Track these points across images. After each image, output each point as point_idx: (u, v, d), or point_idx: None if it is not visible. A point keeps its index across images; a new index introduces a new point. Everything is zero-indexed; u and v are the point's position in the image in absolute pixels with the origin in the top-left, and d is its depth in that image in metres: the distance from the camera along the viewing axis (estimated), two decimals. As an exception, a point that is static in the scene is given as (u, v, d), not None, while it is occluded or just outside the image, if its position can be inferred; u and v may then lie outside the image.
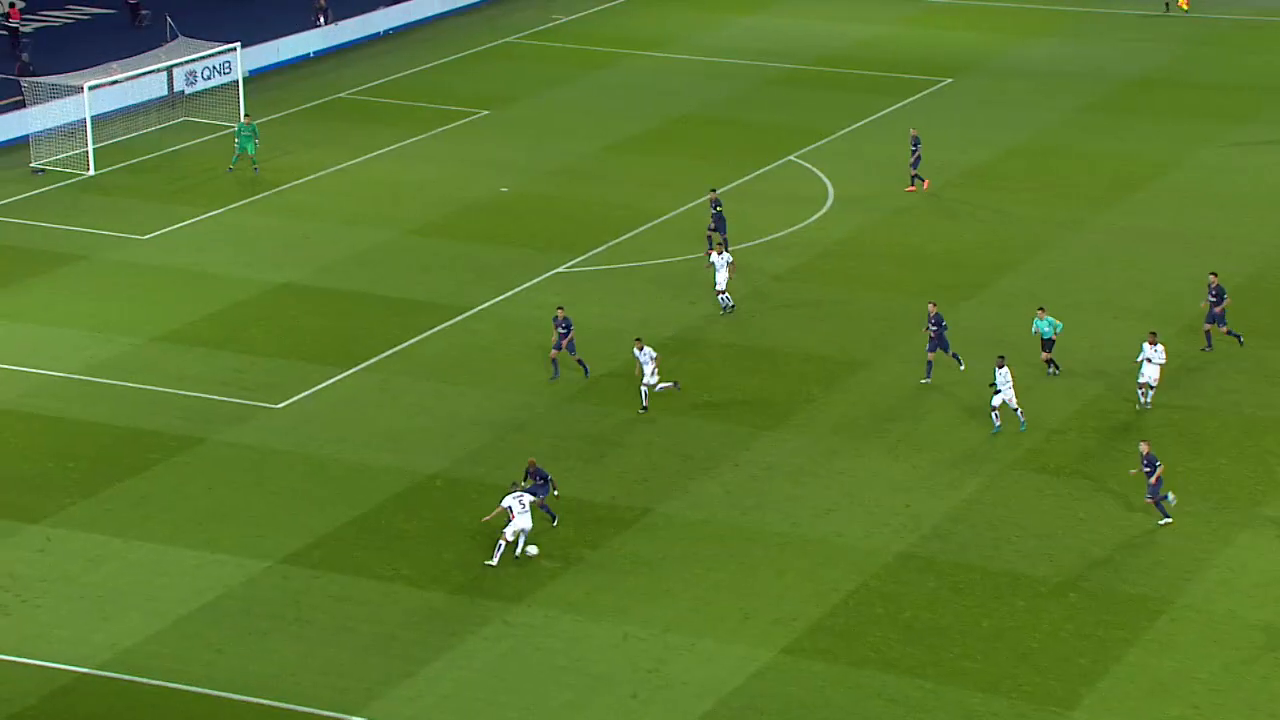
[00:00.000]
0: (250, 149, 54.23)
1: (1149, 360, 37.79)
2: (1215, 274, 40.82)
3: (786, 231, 49.69)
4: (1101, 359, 40.75)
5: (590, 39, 71.71)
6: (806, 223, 50.48)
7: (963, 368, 40.00)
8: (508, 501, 32.70)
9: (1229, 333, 40.33)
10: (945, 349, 39.92)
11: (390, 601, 31.97)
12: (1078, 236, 48.78)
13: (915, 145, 51.84)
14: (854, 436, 37.77)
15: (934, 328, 39.69)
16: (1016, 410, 37.31)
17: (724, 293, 43.59)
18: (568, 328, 40.10)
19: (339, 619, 31.38)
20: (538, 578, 32.68)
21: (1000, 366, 37.22)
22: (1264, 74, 61.09)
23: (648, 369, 38.73)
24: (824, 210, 51.59)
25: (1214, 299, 40.31)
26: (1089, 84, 63.56)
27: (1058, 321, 39.72)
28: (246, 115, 56.88)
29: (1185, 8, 72.71)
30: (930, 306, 39.98)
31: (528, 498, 32.86)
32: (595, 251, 48.65)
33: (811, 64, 67.93)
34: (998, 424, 37.24)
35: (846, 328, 43.27)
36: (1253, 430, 37.19)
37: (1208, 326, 40.57)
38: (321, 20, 69.47)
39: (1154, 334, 38.28)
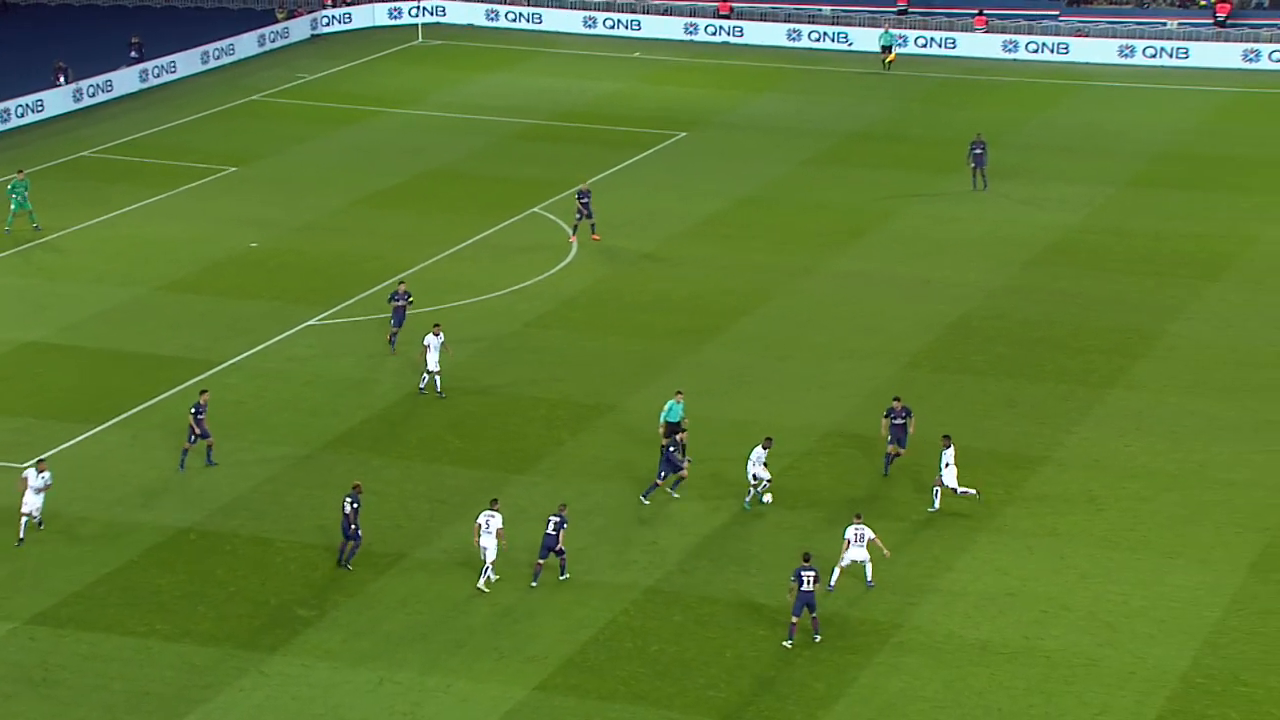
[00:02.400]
0: (26, 205, 52.17)
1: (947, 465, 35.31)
2: (898, 398, 37.62)
3: (532, 281, 49.70)
4: (832, 397, 41.62)
5: (336, 97, 70.92)
6: (552, 272, 50.57)
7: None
8: (479, 518, 32.65)
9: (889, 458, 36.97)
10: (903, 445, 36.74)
11: (144, 658, 30.82)
12: (807, 282, 49.86)
13: (583, 198, 52.04)
14: (602, 477, 37.82)
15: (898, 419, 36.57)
16: (957, 491, 35.40)
17: (437, 373, 41.11)
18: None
19: (90, 678, 30.13)
20: (293, 626, 31.90)
21: (946, 448, 35.33)
22: (967, 128, 63.51)
23: (432, 358, 39.32)
24: (568, 260, 51.76)
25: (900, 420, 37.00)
26: (813, 138, 65.17)
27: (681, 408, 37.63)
28: (20, 170, 54.62)
29: (891, 60, 75.29)
30: (895, 402, 37.22)
31: (496, 521, 32.46)
32: (346, 304, 47.95)
33: (554, 119, 68.27)
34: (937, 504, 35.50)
35: (593, 372, 43.40)
36: (965, 460, 38.36)
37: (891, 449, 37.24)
38: (61, 80, 67.27)
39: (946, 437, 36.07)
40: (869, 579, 32.89)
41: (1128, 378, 42.86)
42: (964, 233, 53.57)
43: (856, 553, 32.55)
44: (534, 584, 33.23)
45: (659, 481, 36.46)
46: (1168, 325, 46.14)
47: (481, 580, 33.04)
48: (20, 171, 54.30)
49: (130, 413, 40.76)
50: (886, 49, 76.12)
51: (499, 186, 59.08)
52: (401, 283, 44.12)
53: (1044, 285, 49.33)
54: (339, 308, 47.70)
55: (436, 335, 40.98)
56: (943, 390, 42.07)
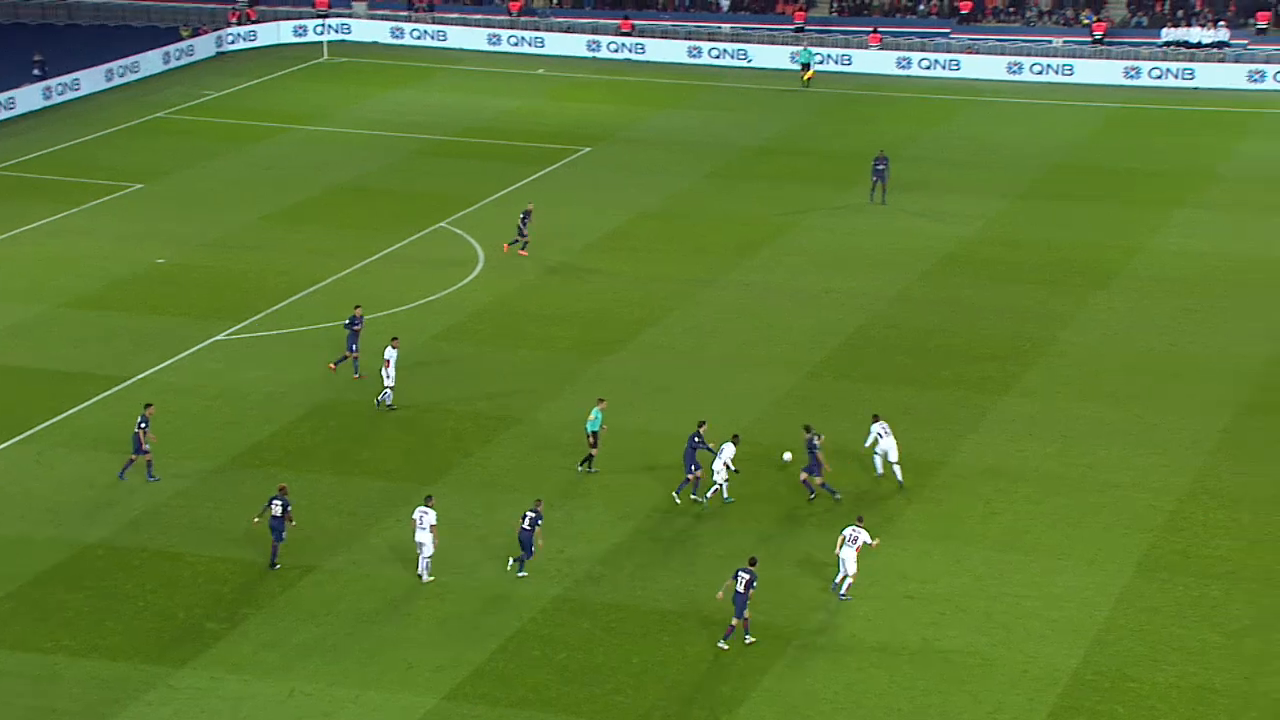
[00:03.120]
0: None
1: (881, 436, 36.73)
2: (808, 428, 37.13)
3: (440, 294, 49.51)
4: (736, 406, 41.83)
5: (242, 113, 70.29)
6: (459, 285, 50.40)
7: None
8: (414, 514, 33.13)
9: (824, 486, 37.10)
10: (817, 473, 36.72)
11: (51, 674, 30.31)
12: (710, 293, 50.08)
13: (525, 216, 52.10)
14: (509, 488, 37.73)
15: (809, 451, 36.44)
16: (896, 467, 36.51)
17: (392, 387, 41.18)
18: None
19: (-3, 696, 29.60)
20: (202, 640, 31.51)
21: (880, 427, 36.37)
22: (864, 143, 64.21)
23: (392, 371, 40.01)
24: (475, 273, 51.62)
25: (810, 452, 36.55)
26: (715, 152, 65.51)
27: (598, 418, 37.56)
28: None
29: (809, 79, 75.74)
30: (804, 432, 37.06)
31: (430, 517, 32.82)
32: (255, 319, 47.50)
33: (457, 135, 68.08)
34: (837, 495, 36.09)
35: (501, 385, 43.29)
36: (866, 467, 38.68)
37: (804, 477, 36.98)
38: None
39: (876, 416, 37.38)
40: (843, 591, 32.83)
41: (1021, 384, 43.47)
42: (863, 245, 54.09)
43: (846, 554, 32.58)
44: (514, 567, 33.34)
45: (690, 477, 36.17)
46: (1059, 333, 46.86)
47: (421, 569, 33.30)
48: None
49: (36, 429, 40.09)
50: (805, 66, 76.56)
51: (405, 202, 58.82)
52: (358, 307, 43.37)
53: (940, 295, 49.94)
54: (247, 323, 47.23)
55: (395, 349, 41.04)
56: (843, 398, 42.41)
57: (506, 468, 38.74)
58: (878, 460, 37.81)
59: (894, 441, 37.35)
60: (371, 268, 52.15)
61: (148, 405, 38.30)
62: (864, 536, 32.99)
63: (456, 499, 36.98)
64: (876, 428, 37.70)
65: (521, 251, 52.13)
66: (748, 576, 31.21)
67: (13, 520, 35.86)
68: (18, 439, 39.60)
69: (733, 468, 36.41)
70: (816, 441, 36.77)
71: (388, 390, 41.15)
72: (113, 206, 57.74)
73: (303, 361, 44.48)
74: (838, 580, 33.26)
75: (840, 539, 33.10)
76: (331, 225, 56.23)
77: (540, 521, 33.62)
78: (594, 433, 37.99)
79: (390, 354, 41.04)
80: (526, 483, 37.89)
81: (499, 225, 55.95)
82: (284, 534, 33.90)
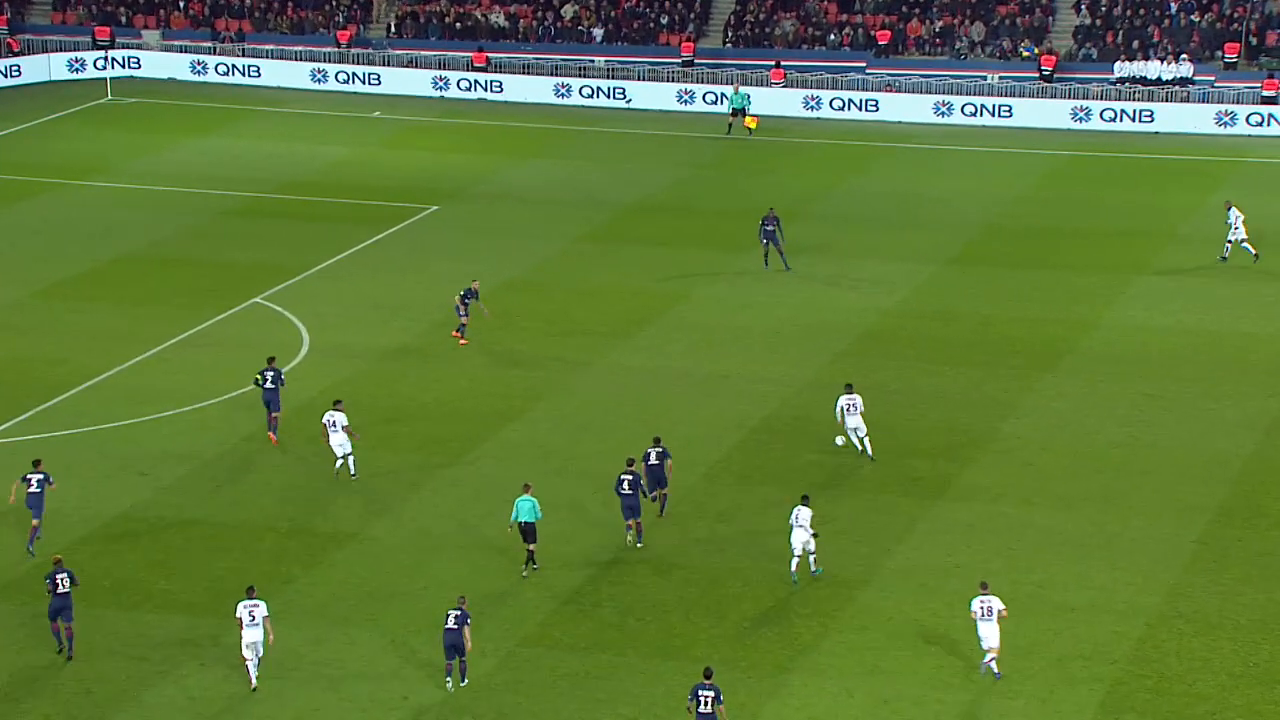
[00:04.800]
0: None
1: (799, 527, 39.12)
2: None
3: (253, 386, 49.13)
4: (615, 515, 41.91)
5: (3, 166, 69.55)
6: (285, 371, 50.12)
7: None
8: (239, 612, 34.99)
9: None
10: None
11: None
12: (584, 379, 50.29)
13: (466, 297, 51.92)
14: (341, 620, 37.41)
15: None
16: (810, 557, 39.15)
17: (348, 455, 43.68)
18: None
19: None
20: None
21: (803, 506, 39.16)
22: (764, 197, 65.12)
23: (336, 439, 42.86)
24: (299, 359, 51.41)
25: None
26: (588, 211, 66.05)
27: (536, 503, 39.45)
28: None
29: (752, 127, 76.60)
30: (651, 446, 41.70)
31: (261, 610, 34.82)
32: (21, 419, 46.81)
33: (276, 191, 68.00)
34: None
35: (330, 495, 43.01)
36: (776, 589, 38.94)
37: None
38: None
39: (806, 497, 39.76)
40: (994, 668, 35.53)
41: (956, 487, 44.05)
42: (764, 319, 54.68)
43: (985, 628, 35.58)
44: (452, 682, 34.93)
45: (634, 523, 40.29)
46: (999, 424, 47.64)
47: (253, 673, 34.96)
48: None
49: None
50: (739, 112, 77.28)
51: (211, 273, 58.50)
52: (272, 358, 46.42)
53: (858, 380, 50.43)
54: (13, 423, 46.54)
55: (338, 411, 43.45)
56: (745, 507, 42.68)
57: (337, 595, 38.42)
58: (844, 438, 44.38)
59: (861, 419, 44.49)
60: (169, 353, 51.71)
61: (36, 461, 40.53)
62: (998, 604, 35.58)
63: (279, 631, 36.52)
64: (844, 400, 44.59)
65: (461, 340, 51.72)
66: (711, 693, 32.55)
67: None
68: None
69: (812, 531, 39.17)
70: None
71: (347, 459, 43.36)
72: None
73: (85, 470, 43.86)
74: (986, 659, 35.56)
75: (974, 612, 35.61)
76: (119, 302, 55.74)
77: (468, 620, 34.87)
78: (530, 524, 39.04)
79: (331, 418, 43.33)
80: (359, 612, 37.60)
81: (328, 301, 55.82)
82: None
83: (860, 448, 44.82)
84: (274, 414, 45.43)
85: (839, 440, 44.91)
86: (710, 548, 40.66)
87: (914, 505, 42.90)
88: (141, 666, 35.64)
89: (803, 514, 39.12)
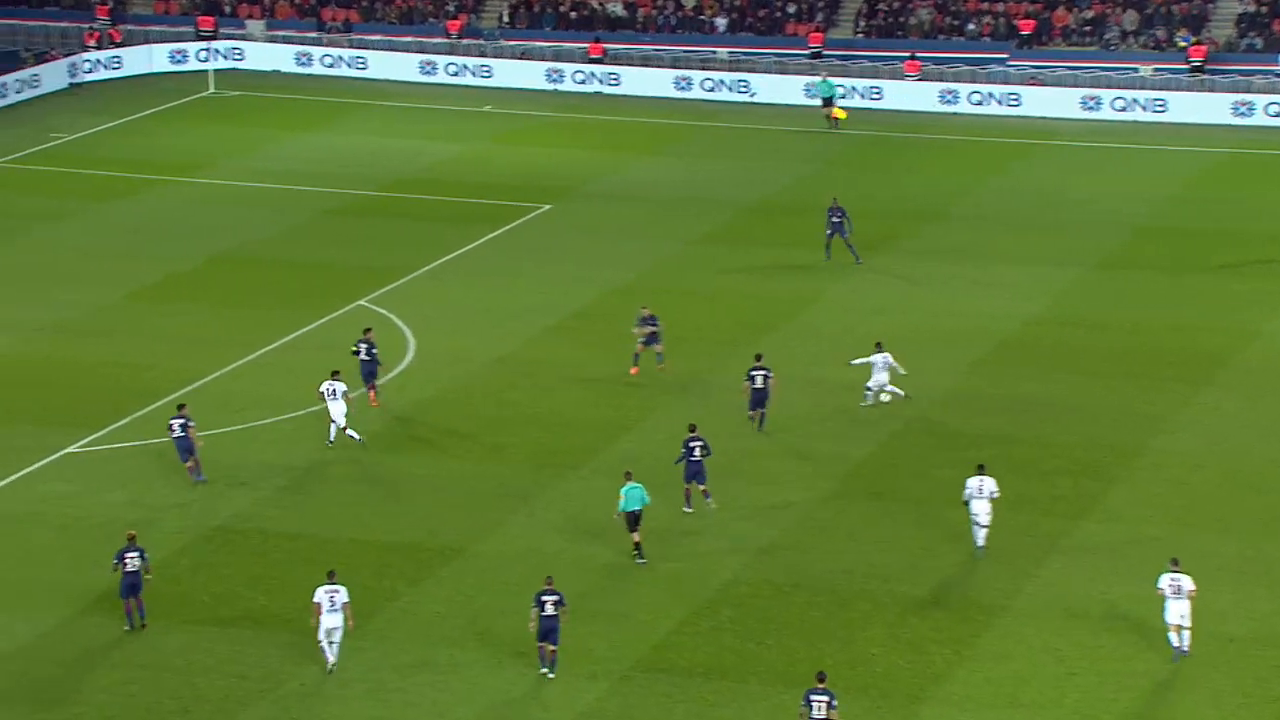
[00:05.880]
0: None
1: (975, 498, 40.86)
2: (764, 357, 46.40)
3: (358, 392, 49.56)
4: (726, 545, 41.77)
5: (101, 162, 70.71)
6: (383, 381, 50.45)
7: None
8: (319, 597, 35.98)
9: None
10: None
11: None
12: (701, 390, 50.15)
13: (648, 323, 50.94)
14: (447, 640, 37.60)
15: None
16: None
17: (343, 427, 45.78)
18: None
19: None
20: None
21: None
22: (896, 197, 64.76)
23: (336, 408, 45.16)
24: (404, 365, 51.75)
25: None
26: (707, 211, 65.99)
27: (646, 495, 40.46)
28: None
29: (841, 117, 76.40)
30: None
31: (341, 596, 35.89)
32: (116, 425, 47.47)
33: (381, 189, 68.54)
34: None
35: (436, 507, 43.24)
36: (904, 611, 38.71)
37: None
38: None
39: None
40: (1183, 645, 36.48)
41: (1102, 506, 43.57)
42: (896, 326, 54.33)
43: (1175, 606, 36.58)
44: (544, 669, 36.01)
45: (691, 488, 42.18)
46: (1149, 440, 47.07)
47: (332, 659, 35.87)
48: None
49: None
50: (828, 101, 77.15)
51: (313, 275, 59.03)
52: (368, 329, 48.90)
53: (996, 391, 50.13)
54: (106, 430, 47.18)
55: (337, 380, 45.79)
56: (877, 522, 42.45)
57: (443, 613, 38.60)
58: (868, 395, 47.26)
59: (887, 378, 47.47)
60: (267, 359, 52.24)
61: (180, 406, 44.25)
62: (1188, 583, 36.30)
63: (380, 653, 36.79)
64: (877, 358, 47.25)
65: (633, 369, 50.67)
66: (825, 699, 32.88)
67: None
68: None
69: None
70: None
71: (347, 432, 45.67)
72: (-66, 281, 57.89)
73: (181, 481, 44.37)
74: (1175, 643, 36.36)
75: (1161, 589, 36.43)
76: (217, 304, 56.37)
77: (564, 605, 35.88)
78: (634, 513, 39.91)
79: (328, 387, 45.61)
80: (468, 632, 37.76)
81: (435, 304, 56.18)
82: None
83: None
84: (372, 384, 47.61)
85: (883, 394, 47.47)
86: (836, 568, 40.46)
87: (1055, 525, 42.46)
88: (241, 685, 35.99)
89: (987, 484, 40.42)
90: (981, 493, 40.72)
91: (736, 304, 56.54)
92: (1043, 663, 36.99)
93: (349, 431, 45.70)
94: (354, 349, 48.23)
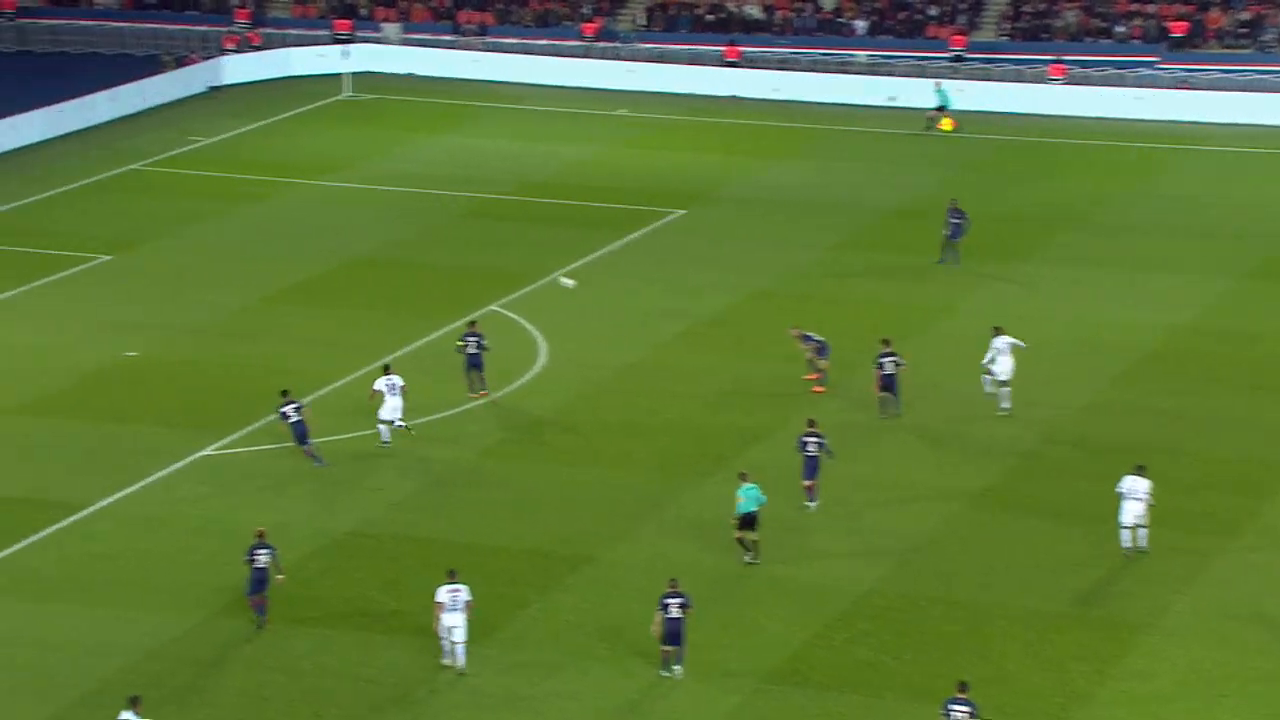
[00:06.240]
0: None
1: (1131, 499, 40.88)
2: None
3: (495, 396, 49.90)
4: (877, 553, 41.65)
5: (239, 165, 71.59)
6: (514, 386, 50.79)
7: None
8: (440, 596, 36.55)
9: None
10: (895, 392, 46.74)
11: None
12: (838, 395, 50.03)
13: (808, 339, 50.78)
14: (578, 651, 37.78)
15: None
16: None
17: (390, 422, 46.37)
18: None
19: None
20: None
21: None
22: (1038, 204, 64.17)
23: (391, 403, 45.78)
24: (535, 371, 52.03)
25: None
26: (846, 216, 65.84)
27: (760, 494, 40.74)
28: None
29: (949, 129, 76.08)
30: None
31: (463, 595, 36.40)
32: (250, 429, 48.08)
33: (514, 193, 68.91)
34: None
35: (566, 514, 43.45)
36: (1042, 627, 38.45)
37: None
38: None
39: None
40: None
41: (1256, 524, 43.01)
42: (1038, 335, 53.86)
43: None
44: (664, 672, 36.33)
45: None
46: (1305, 455, 46.49)
47: (459, 658, 36.44)
48: None
49: (-30, 571, 40.70)
50: (942, 109, 76.74)
51: (447, 278, 59.48)
52: (473, 322, 50.42)
53: (1143, 403, 49.63)
54: (240, 434, 47.79)
55: (394, 375, 46.53)
56: (1016, 535, 42.18)
57: (574, 623, 38.79)
58: (987, 380, 47.31)
59: (1012, 362, 47.61)
60: (402, 362, 52.70)
61: (284, 391, 45.78)
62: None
63: (512, 660, 37.05)
64: (998, 342, 47.51)
65: (817, 388, 50.21)
66: (965, 710, 32.93)
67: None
68: (-54, 581, 40.13)
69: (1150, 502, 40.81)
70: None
71: (398, 425, 46.33)
72: (73, 284, 58.83)
73: (313, 484, 44.88)
74: None
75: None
76: (349, 308, 56.96)
77: (689, 607, 36.10)
78: (753, 514, 40.25)
79: (382, 384, 46.29)
80: (600, 642, 37.91)
81: (566, 309, 56.43)
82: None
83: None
84: (479, 373, 48.88)
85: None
86: (975, 581, 40.25)
87: (1206, 543, 41.97)
88: (374, 690, 36.36)
89: (1140, 485, 40.45)
90: (1135, 493, 40.63)
91: (872, 311, 56.33)
92: (1190, 684, 36.56)
93: (399, 424, 46.28)
94: (459, 343, 49.15)
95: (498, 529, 42.88)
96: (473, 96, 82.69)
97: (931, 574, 40.61)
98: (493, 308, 56.75)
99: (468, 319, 51.24)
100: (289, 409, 45.31)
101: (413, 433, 46.52)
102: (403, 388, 46.27)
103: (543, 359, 52.87)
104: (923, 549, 41.67)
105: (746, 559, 40.71)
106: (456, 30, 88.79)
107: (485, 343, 49.24)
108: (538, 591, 40.07)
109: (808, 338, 50.63)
